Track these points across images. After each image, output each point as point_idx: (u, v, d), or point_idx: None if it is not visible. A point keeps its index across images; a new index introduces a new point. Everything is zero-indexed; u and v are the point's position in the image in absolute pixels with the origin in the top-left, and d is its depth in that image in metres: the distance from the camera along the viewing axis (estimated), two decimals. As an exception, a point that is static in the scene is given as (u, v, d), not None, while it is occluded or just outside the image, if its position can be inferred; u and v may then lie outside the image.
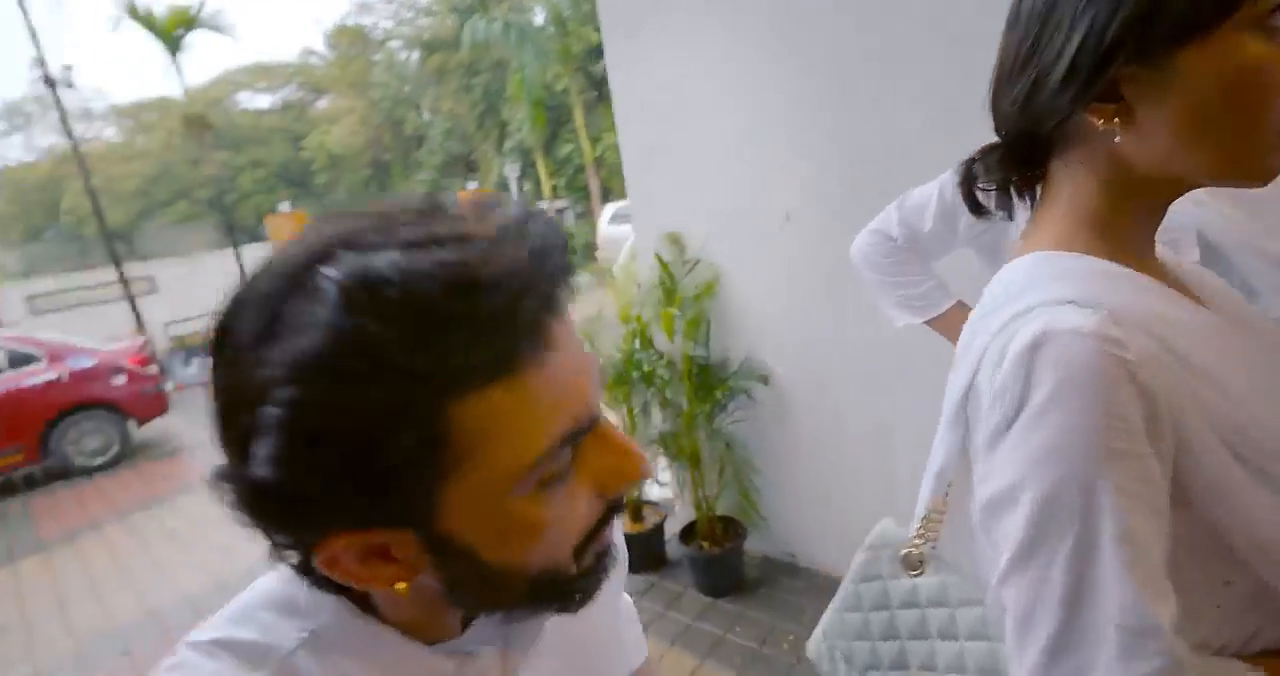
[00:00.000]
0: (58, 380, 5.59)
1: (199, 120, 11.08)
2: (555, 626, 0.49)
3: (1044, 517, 0.42)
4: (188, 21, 10.05)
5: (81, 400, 5.66)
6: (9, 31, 10.76)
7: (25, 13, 8.27)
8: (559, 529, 0.37)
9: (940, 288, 1.18)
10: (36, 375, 5.54)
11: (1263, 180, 0.47)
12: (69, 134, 8.85)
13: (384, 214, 0.34)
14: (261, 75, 26.45)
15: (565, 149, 15.09)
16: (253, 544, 0.40)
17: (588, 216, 14.86)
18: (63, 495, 5.39)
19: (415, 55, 20.69)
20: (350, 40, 23.30)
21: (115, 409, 5.85)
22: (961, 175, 0.56)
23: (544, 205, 14.62)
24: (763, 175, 2.09)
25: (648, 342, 2.52)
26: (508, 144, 15.69)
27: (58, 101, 8.59)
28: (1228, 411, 0.43)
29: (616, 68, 2.45)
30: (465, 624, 0.46)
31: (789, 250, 2.10)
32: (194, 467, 5.65)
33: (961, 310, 1.17)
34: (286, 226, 10.46)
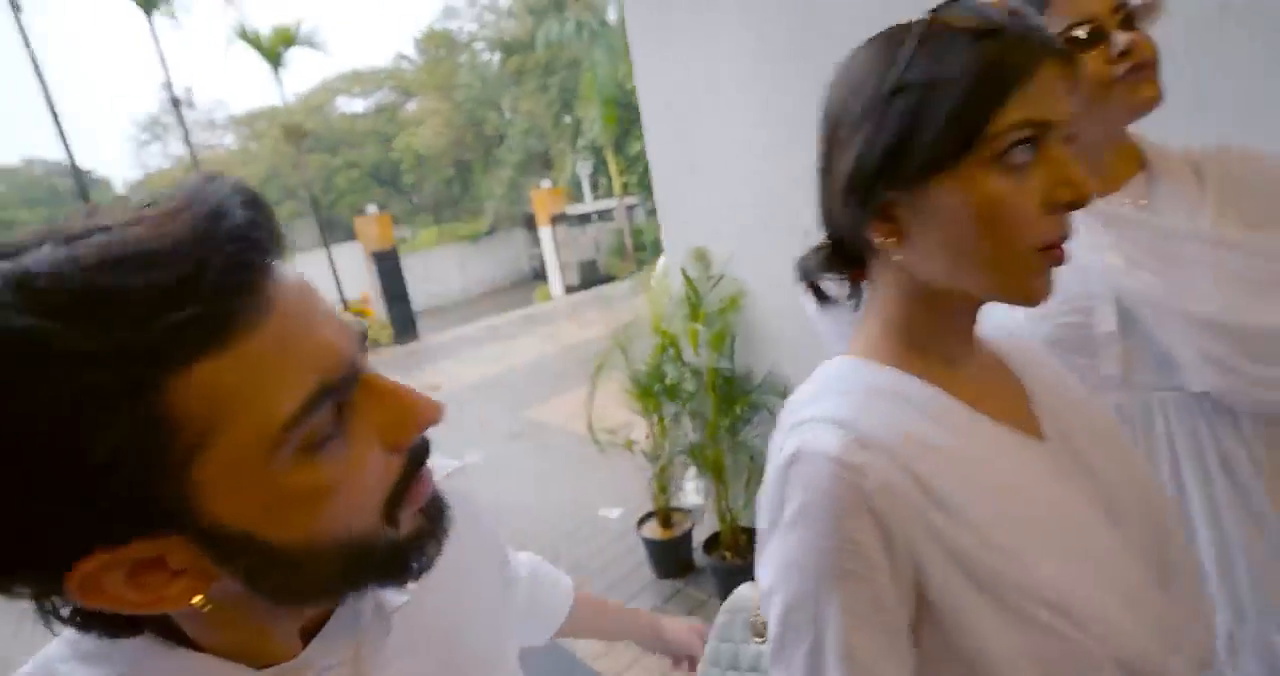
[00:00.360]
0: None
1: (296, 129, 12.04)
2: (415, 623, 0.46)
3: (787, 621, 0.47)
4: (288, 39, 10.98)
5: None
6: (145, 53, 11.99)
7: (156, 40, 9.26)
8: (349, 492, 0.35)
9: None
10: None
11: (1031, 301, 0.49)
12: (189, 145, 9.85)
13: (58, 222, 0.31)
14: (357, 81, 28.09)
15: (636, 146, 15.20)
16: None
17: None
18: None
19: (496, 57, 21.36)
20: (437, 44, 24.32)
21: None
22: (799, 270, 0.60)
23: (615, 202, 14.85)
24: (783, 193, 2.10)
25: (677, 355, 2.59)
26: (580, 141, 16.00)
27: (181, 119, 9.64)
28: (963, 540, 0.45)
29: (644, 84, 2.51)
30: (308, 638, 0.42)
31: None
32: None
33: None
34: (372, 228, 11.19)
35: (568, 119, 17.62)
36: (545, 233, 14.37)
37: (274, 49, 10.80)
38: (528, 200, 16.53)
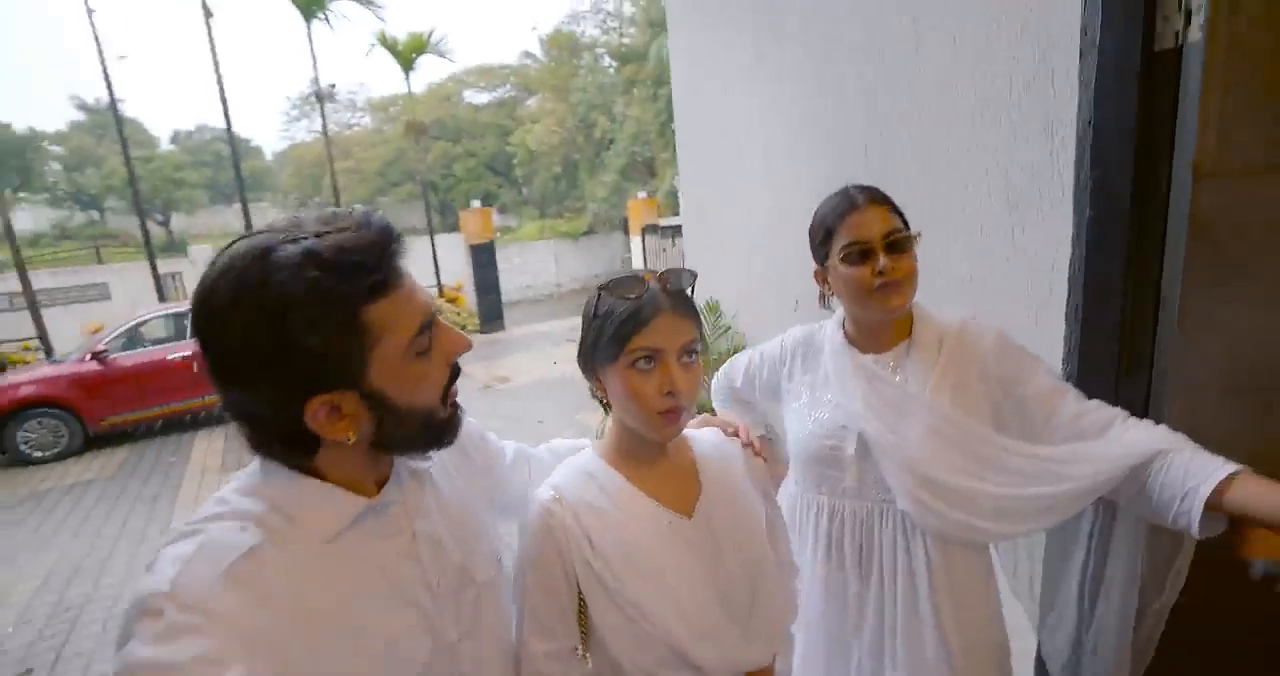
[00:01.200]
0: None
1: (418, 125, 13.20)
2: (439, 493, 0.78)
3: (514, 584, 0.83)
4: (420, 46, 12.14)
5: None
6: (300, 44, 13.52)
7: (310, 40, 10.53)
8: (430, 381, 0.66)
9: (755, 423, 1.42)
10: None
11: (663, 440, 0.83)
12: (325, 134, 11.09)
13: (298, 221, 0.62)
14: (483, 75, 29.75)
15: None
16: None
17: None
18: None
19: (613, 64, 22.09)
20: (560, 46, 25.37)
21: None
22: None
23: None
24: (781, 262, 2.34)
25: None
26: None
27: (322, 111, 10.88)
28: (597, 565, 0.79)
29: (683, 138, 2.81)
30: (379, 487, 0.71)
31: (795, 334, 2.34)
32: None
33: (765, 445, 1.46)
34: (474, 221, 12.06)
35: (671, 131, 18.03)
36: (636, 241, 14.82)
37: (407, 55, 12.01)
38: (627, 206, 17.06)
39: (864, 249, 1.03)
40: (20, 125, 30.41)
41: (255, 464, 0.68)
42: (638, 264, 15.49)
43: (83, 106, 32.61)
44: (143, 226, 10.61)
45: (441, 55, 12.76)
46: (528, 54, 28.49)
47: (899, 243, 1.04)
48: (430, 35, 12.34)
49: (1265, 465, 0.78)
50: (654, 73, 17.79)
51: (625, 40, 22.67)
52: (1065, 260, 1.44)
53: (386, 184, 30.50)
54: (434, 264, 12.62)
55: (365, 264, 0.60)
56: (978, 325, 1.09)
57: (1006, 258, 1.57)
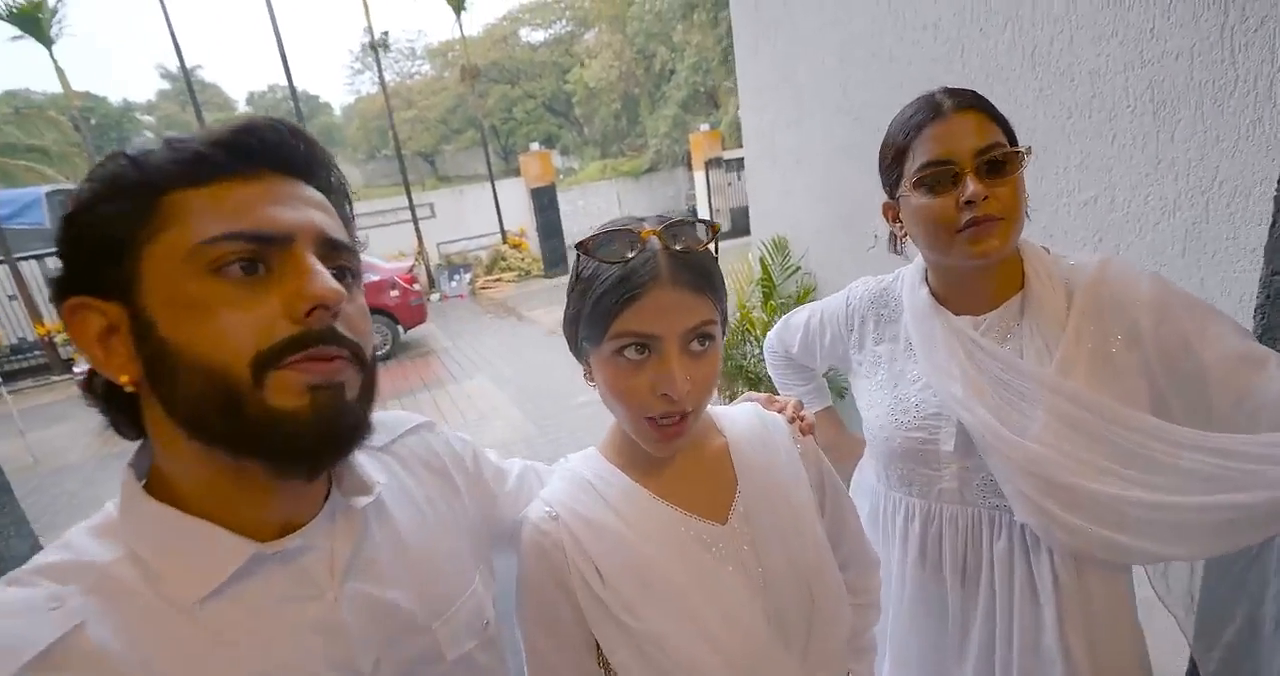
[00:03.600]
0: (357, 289, 7.45)
1: (471, 69, 12.90)
2: (396, 551, 0.57)
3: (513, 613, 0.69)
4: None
5: (368, 306, 7.50)
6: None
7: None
8: (229, 321, 0.44)
9: (815, 392, 1.24)
10: (345, 284, 7.47)
11: (655, 451, 0.66)
12: (382, 85, 11.04)
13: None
14: (538, 12, 28.80)
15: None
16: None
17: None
18: (354, 376, 7.30)
19: (671, -12, 20.79)
20: (617, -28, 24.09)
21: (390, 315, 7.60)
22: None
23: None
24: (856, 193, 2.07)
25: (756, 336, 2.68)
26: (745, 80, 15.39)
27: (377, 60, 10.78)
28: (603, 592, 0.63)
29: (743, 66, 2.51)
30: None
31: (876, 271, 2.08)
32: (437, 368, 7.14)
33: (827, 415, 1.25)
34: (534, 165, 11.89)
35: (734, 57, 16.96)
36: (700, 177, 14.28)
37: (456, -3, 11.63)
38: (689, 140, 16.42)
39: (949, 171, 0.77)
40: (115, 98, 32.20)
41: (119, 496, 0.50)
42: (702, 199, 14.98)
43: (167, 75, 34.03)
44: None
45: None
46: (583, -16, 27.23)
47: (999, 162, 0.77)
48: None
49: None
50: (714, -8, 16.65)
51: (682, -40, 21.20)
52: (1231, 174, 1.14)
53: (450, 131, 30.58)
54: (496, 209, 12.62)
55: (201, 143, 0.47)
56: (1123, 268, 0.81)
57: (1148, 170, 1.28)
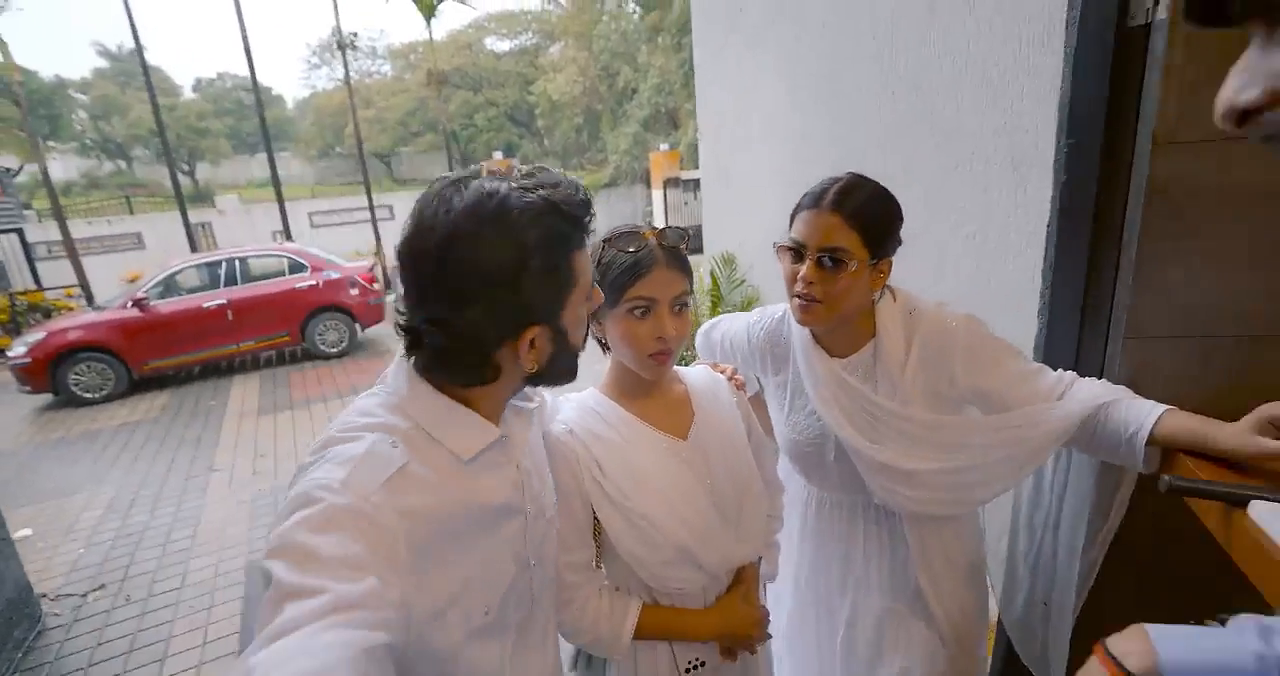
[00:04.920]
0: (316, 285, 7.42)
1: (438, 74, 13.04)
2: (533, 442, 0.85)
3: None
4: (442, -7, 11.94)
5: (328, 303, 7.48)
6: (321, -8, 13.19)
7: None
8: (584, 326, 0.77)
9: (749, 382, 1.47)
10: (304, 281, 7.41)
11: (651, 376, 0.94)
12: (348, 84, 11.05)
13: (509, 174, 0.69)
14: (505, 22, 28.98)
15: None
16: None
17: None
18: (308, 372, 7.26)
19: (637, 10, 21.40)
20: (584, -9, 24.57)
21: (348, 313, 7.63)
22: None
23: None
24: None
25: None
26: (705, 104, 15.96)
27: (344, 61, 10.81)
28: (608, 485, 0.92)
29: (703, 105, 2.85)
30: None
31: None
32: (394, 368, 7.25)
33: (758, 401, 1.44)
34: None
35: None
36: (658, 195, 14.70)
37: (428, 1, 11.80)
38: (649, 158, 16.85)
39: (798, 250, 1.00)
40: (47, 73, 30.49)
41: (394, 382, 0.72)
42: (659, 216, 15.43)
43: (105, 53, 32.48)
44: (173, 176, 10.79)
45: (463, 2, 12.53)
46: (551, -1, 27.56)
47: (836, 260, 0.97)
48: (451, -18, 12.09)
49: (1204, 404, 0.89)
50: (679, 20, 17.26)
51: (650, -16, 21.89)
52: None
53: (408, 134, 30.31)
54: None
55: (580, 218, 0.71)
56: (945, 320, 1.06)
57: (1008, 214, 1.64)
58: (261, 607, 0.52)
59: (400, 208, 13.66)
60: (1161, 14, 0.83)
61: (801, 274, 0.99)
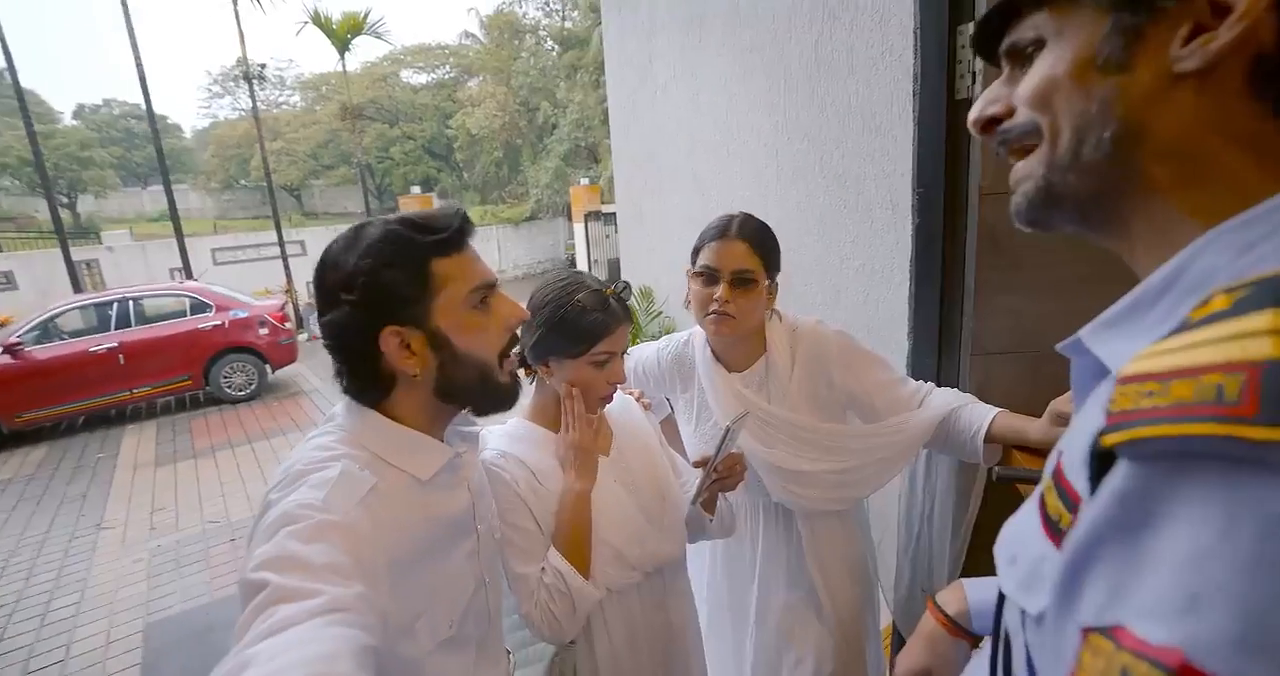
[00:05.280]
0: (221, 326, 7.03)
1: (353, 109, 12.81)
2: (478, 467, 0.92)
3: None
4: (355, 27, 11.79)
5: (235, 344, 7.09)
6: (224, 16, 12.79)
7: (238, 18, 10.10)
8: (488, 335, 0.77)
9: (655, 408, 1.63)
10: (207, 321, 7.00)
11: (592, 412, 1.04)
12: (256, 117, 10.69)
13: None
14: (421, 55, 28.84)
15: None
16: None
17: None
18: (213, 418, 6.83)
19: (556, 48, 21.92)
20: (502, 28, 24.91)
21: (257, 354, 7.25)
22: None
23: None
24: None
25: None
26: (623, 140, 16.42)
27: (252, 92, 10.46)
28: (554, 505, 1.01)
29: (617, 137, 3.01)
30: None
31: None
32: (308, 408, 6.90)
33: (669, 423, 1.60)
34: (414, 207, 11.89)
35: (614, 117, 18.02)
36: (579, 228, 14.90)
37: (342, 34, 11.67)
38: (570, 192, 17.06)
39: (713, 274, 1.16)
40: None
41: (345, 419, 0.78)
42: (581, 250, 15.62)
43: (-31, 76, 29.78)
44: (52, 209, 9.95)
45: (379, 36, 12.45)
46: (468, 34, 27.74)
47: (746, 281, 1.15)
48: (366, 15, 11.98)
49: (1038, 407, 1.08)
50: (597, 58, 17.81)
51: (568, 24, 22.52)
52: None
53: (319, 167, 29.35)
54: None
55: (434, 228, 0.76)
56: (822, 333, 1.24)
57: (891, 248, 1.86)
58: (247, 614, 0.54)
59: (312, 243, 13.18)
60: (978, 90, 1.03)
61: (717, 295, 1.14)
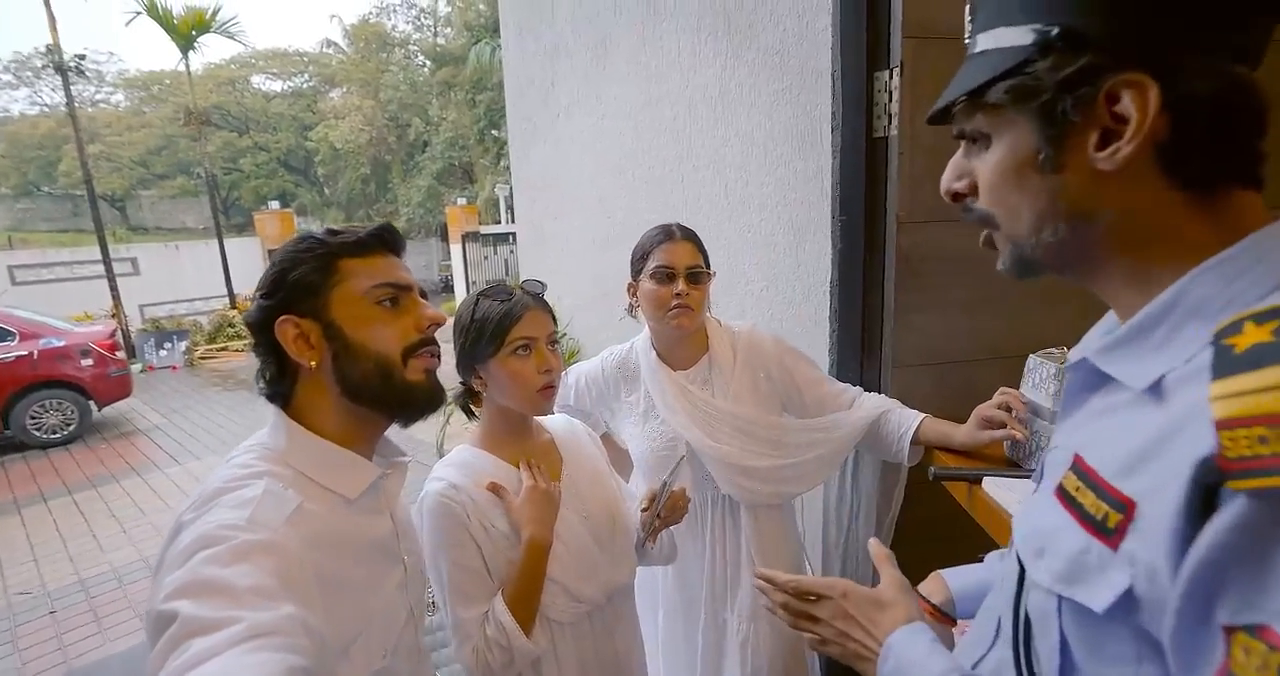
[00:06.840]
0: (27, 356, 5.98)
1: (199, 114, 11.52)
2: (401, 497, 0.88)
3: (430, 565, 0.96)
4: (201, 24, 10.66)
5: (47, 378, 6.05)
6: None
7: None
8: (391, 330, 0.76)
9: (592, 425, 1.66)
10: (7, 352, 5.91)
11: (541, 414, 1.05)
12: (73, 118, 9.32)
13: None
14: (276, 61, 26.81)
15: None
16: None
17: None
18: (16, 467, 5.74)
19: (428, 64, 21.29)
20: (368, 39, 23.82)
21: (79, 389, 6.23)
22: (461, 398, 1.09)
23: (529, 223, 15.10)
24: (608, 279, 2.62)
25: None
26: (503, 163, 16.27)
27: (66, 85, 9.09)
28: (502, 540, 0.98)
29: (517, 162, 2.99)
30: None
31: (623, 338, 2.64)
32: (147, 449, 6.03)
33: (607, 439, 1.65)
34: (273, 225, 10.93)
35: (495, 133, 17.81)
36: (456, 249, 14.45)
37: (185, 31, 10.45)
38: (445, 212, 16.52)
39: (670, 273, 1.26)
40: None
41: (271, 436, 0.76)
42: (459, 271, 15.14)
43: None
44: None
45: (230, 36, 11.27)
46: (330, 42, 26.20)
47: (697, 275, 1.28)
48: (216, 13, 10.81)
49: (946, 412, 1.21)
50: (473, 77, 17.47)
51: (440, 41, 21.98)
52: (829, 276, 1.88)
53: (150, 175, 26.07)
54: (224, 271, 11.16)
55: (350, 233, 0.78)
56: (758, 334, 1.37)
57: (792, 271, 1.99)
58: (159, 651, 0.50)
59: (147, 260, 11.59)
60: (894, 131, 1.15)
61: (678, 290, 1.25)
